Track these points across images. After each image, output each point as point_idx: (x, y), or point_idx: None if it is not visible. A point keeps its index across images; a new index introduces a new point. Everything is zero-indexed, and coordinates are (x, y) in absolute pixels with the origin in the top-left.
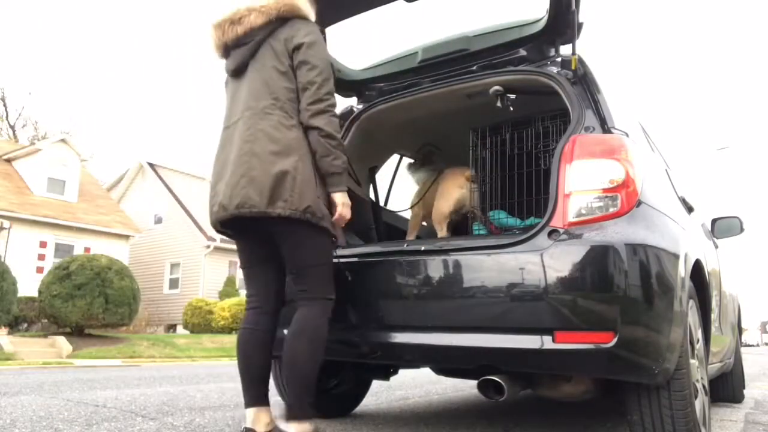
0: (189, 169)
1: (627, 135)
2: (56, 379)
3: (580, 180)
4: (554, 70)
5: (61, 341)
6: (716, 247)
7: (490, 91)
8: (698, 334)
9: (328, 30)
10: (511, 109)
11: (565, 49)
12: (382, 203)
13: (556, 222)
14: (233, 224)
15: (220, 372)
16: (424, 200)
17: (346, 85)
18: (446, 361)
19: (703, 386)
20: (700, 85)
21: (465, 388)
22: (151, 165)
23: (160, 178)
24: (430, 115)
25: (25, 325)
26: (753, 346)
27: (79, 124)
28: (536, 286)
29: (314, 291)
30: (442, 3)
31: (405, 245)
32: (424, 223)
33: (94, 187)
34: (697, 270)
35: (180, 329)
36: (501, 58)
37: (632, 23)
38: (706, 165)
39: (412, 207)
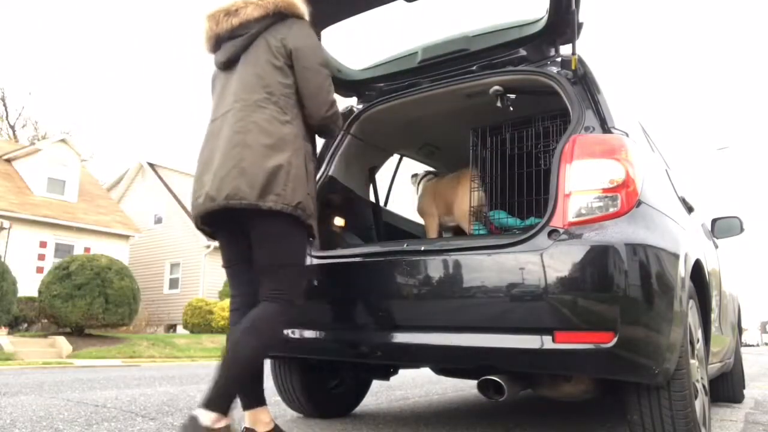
0: (189, 169)
1: (627, 135)
2: (56, 379)
3: (580, 180)
4: (554, 70)
5: (61, 341)
6: (716, 247)
7: (490, 91)
8: (698, 334)
9: (328, 30)
10: (511, 109)
11: (565, 49)
12: (382, 203)
13: (556, 222)
14: (216, 219)
15: None
16: (441, 201)
17: (346, 85)
18: (446, 361)
19: (703, 386)
20: (700, 85)
21: (465, 388)
22: (151, 165)
23: (160, 178)
24: (430, 115)
25: (25, 325)
26: (753, 346)
27: (79, 124)
28: (536, 286)
29: (283, 291)
30: (442, 3)
31: (405, 245)
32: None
33: (94, 187)
34: (697, 270)
35: (180, 329)
36: (501, 58)
37: (632, 23)
38: (706, 165)
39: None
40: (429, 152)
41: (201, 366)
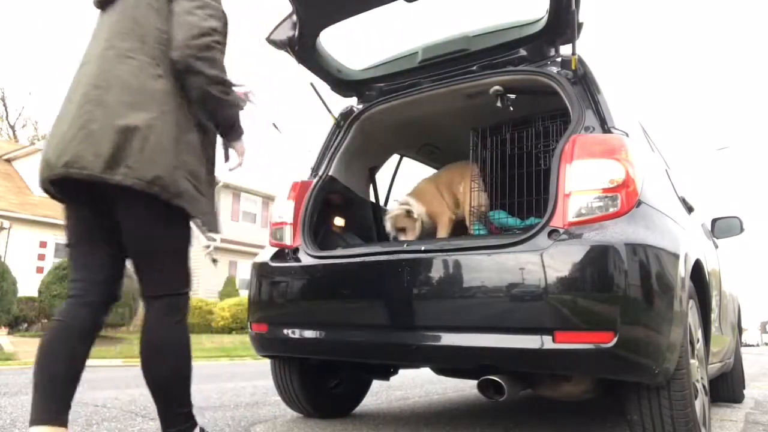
0: None
1: (627, 135)
2: None
3: (580, 180)
4: (554, 70)
5: None
6: (716, 247)
7: (490, 91)
8: (698, 334)
9: (328, 30)
10: (511, 109)
11: (565, 49)
12: (382, 203)
13: (556, 222)
14: (65, 185)
15: (219, 372)
16: (448, 195)
17: (346, 85)
18: (446, 361)
19: (703, 386)
20: (700, 85)
21: (465, 388)
22: None
23: None
24: (430, 115)
25: (25, 325)
26: (753, 346)
27: None
28: (536, 286)
29: (162, 284)
30: (442, 3)
31: (405, 245)
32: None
33: None
34: (697, 270)
35: None
36: (501, 58)
37: (632, 23)
38: (706, 165)
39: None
40: (429, 152)
41: (201, 366)
